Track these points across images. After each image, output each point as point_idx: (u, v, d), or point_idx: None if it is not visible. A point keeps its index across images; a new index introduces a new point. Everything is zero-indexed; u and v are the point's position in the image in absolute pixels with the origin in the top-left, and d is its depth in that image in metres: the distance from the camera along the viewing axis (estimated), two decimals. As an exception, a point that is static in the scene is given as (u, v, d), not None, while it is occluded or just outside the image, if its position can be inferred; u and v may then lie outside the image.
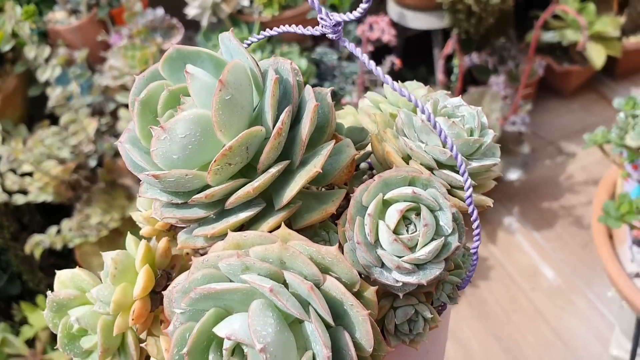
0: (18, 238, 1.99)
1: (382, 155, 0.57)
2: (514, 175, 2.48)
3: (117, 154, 2.08)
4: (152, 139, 0.46)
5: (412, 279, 0.47)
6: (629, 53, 2.73)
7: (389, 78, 0.47)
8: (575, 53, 2.66)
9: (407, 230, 0.48)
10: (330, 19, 0.48)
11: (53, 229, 1.87)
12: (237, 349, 0.43)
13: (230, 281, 0.45)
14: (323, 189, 0.56)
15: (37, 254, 1.81)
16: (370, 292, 0.46)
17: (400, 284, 0.47)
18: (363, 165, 0.64)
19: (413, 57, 2.67)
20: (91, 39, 2.33)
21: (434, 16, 2.41)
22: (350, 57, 2.34)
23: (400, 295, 0.49)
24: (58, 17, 2.36)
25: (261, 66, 0.50)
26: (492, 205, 0.56)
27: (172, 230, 0.59)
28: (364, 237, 0.47)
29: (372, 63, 0.47)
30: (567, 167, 2.63)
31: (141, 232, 0.60)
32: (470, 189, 0.48)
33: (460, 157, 0.48)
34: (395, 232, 0.47)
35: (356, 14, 0.46)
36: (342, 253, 0.48)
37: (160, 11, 2.30)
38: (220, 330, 0.42)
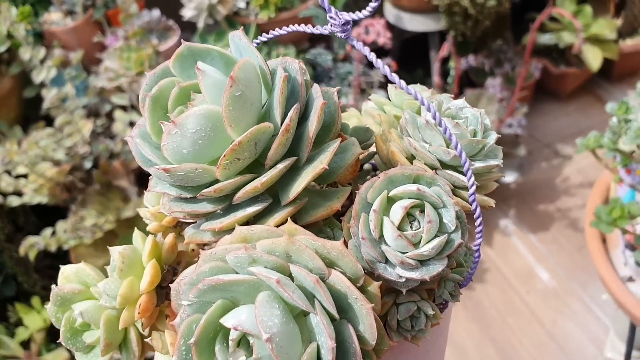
0: (13, 239, 1.99)
1: (387, 155, 0.58)
2: (510, 177, 2.49)
3: (112, 156, 2.08)
4: (163, 133, 0.48)
5: (415, 275, 0.48)
6: (626, 55, 2.74)
7: (396, 76, 0.48)
8: (571, 55, 2.67)
9: (411, 227, 0.49)
10: (340, 18, 0.49)
11: (48, 231, 1.87)
12: (243, 340, 0.44)
13: (237, 274, 0.46)
14: (328, 188, 0.57)
15: (31, 256, 1.81)
16: (374, 287, 0.47)
17: (404, 279, 0.48)
18: (367, 166, 0.65)
19: (410, 59, 2.68)
20: (87, 40, 2.33)
21: (431, 18, 2.42)
22: (346, 59, 2.34)
23: (403, 291, 0.50)
24: (54, 18, 2.37)
25: (269, 66, 0.52)
26: (493, 206, 0.57)
27: (178, 227, 0.60)
28: (368, 233, 0.48)
29: (380, 62, 0.49)
30: (563, 169, 2.64)
31: (148, 228, 0.60)
32: (474, 187, 0.49)
33: (464, 155, 0.49)
34: (400, 228, 0.49)
35: (365, 12, 0.47)
36: (347, 247, 0.49)
37: (156, 13, 2.30)
38: (227, 321, 0.43)
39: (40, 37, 2.34)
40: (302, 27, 0.54)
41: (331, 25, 0.50)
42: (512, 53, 2.58)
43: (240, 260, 0.45)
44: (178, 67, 0.52)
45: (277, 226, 0.48)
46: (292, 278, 0.45)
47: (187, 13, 2.29)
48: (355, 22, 2.21)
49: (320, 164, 0.49)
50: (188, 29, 2.46)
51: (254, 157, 0.49)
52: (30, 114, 2.29)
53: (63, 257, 2.08)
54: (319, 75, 2.36)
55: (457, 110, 0.58)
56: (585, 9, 2.62)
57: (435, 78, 2.39)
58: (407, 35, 2.59)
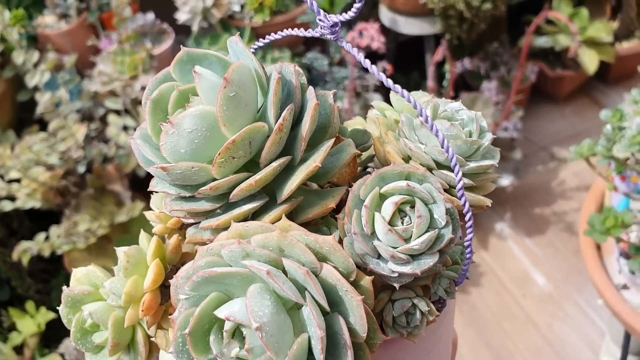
0: (7, 244, 1.99)
1: (384, 156, 0.60)
2: (505, 181, 2.49)
3: (106, 160, 2.08)
4: (162, 133, 0.50)
5: (406, 269, 0.49)
6: (622, 58, 2.75)
7: (386, 79, 0.50)
8: (568, 58, 2.68)
9: (402, 223, 0.50)
10: (328, 20, 0.51)
11: (41, 236, 1.87)
12: (237, 331, 0.46)
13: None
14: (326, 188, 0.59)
15: (24, 261, 1.81)
16: (367, 281, 0.48)
17: (396, 274, 0.49)
18: (370, 170, 0.66)
19: (405, 62, 2.68)
20: (81, 44, 2.33)
21: (426, 22, 2.41)
22: (342, 63, 2.34)
23: (397, 286, 0.51)
24: (48, 22, 2.36)
25: (267, 71, 0.54)
26: (490, 205, 0.58)
27: (183, 230, 0.62)
28: (360, 228, 0.50)
29: (368, 62, 0.51)
30: (559, 172, 2.64)
31: (154, 230, 0.62)
32: (461, 181, 0.50)
33: (451, 150, 0.49)
34: (391, 223, 0.50)
35: (351, 14, 0.49)
36: (342, 246, 0.50)
37: (150, 16, 2.30)
38: (221, 312, 0.44)
39: (34, 41, 2.33)
40: (295, 31, 0.55)
41: (321, 28, 0.52)
42: (508, 56, 2.58)
43: (234, 254, 0.46)
44: (178, 72, 0.54)
45: (273, 223, 0.50)
46: (285, 272, 0.47)
47: (181, 16, 2.29)
48: (349, 25, 2.21)
49: (313, 162, 0.51)
50: (182, 32, 2.46)
51: (249, 156, 0.51)
52: (25, 117, 2.28)
53: (57, 261, 2.09)
54: (314, 79, 2.36)
55: (453, 112, 0.60)
56: (582, 12, 2.63)
57: (430, 82, 2.39)
58: (403, 38, 2.59)
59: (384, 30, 2.46)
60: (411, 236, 0.49)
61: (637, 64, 2.73)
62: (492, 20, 2.40)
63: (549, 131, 2.83)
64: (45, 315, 1.90)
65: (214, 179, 0.50)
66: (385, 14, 2.52)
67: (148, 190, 0.56)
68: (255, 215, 0.52)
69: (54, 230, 1.91)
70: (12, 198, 1.93)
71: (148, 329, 0.58)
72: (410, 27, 2.46)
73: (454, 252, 0.57)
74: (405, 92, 0.50)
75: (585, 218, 1.69)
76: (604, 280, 1.57)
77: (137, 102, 2.10)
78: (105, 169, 2.06)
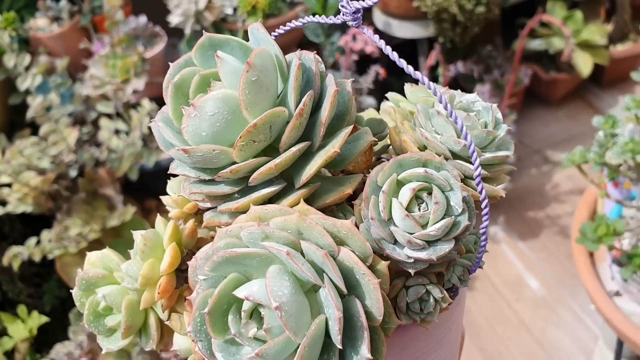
0: (-2, 248, 1.98)
1: (400, 146, 0.61)
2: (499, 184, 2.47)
3: (98, 164, 2.06)
4: (184, 116, 0.51)
5: (422, 255, 0.50)
6: (616, 61, 2.76)
7: (403, 62, 0.53)
8: (562, 61, 2.66)
9: (419, 209, 0.51)
10: (351, 7, 0.53)
11: (32, 240, 1.86)
12: (255, 312, 0.47)
13: None
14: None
15: (15, 266, 1.80)
16: (383, 265, 0.49)
17: (412, 260, 0.51)
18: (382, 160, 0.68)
19: (401, 65, 2.66)
20: (73, 47, 2.32)
21: (419, 25, 2.41)
22: (335, 66, 2.32)
23: (412, 272, 0.52)
24: (40, 24, 2.35)
25: (287, 58, 0.55)
26: (504, 196, 0.60)
27: (199, 215, 0.64)
28: (377, 214, 0.51)
29: (390, 49, 0.54)
30: (552, 176, 2.64)
31: (170, 215, 0.64)
32: (479, 169, 0.51)
33: (469, 137, 0.52)
34: (408, 209, 0.51)
35: None
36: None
37: (143, 19, 2.29)
38: (240, 292, 0.46)
39: (25, 44, 2.33)
40: (316, 18, 0.57)
41: (343, 15, 0.54)
42: (501, 59, 2.58)
43: (254, 236, 0.48)
44: (199, 57, 0.55)
45: (291, 207, 0.51)
46: (303, 255, 0.48)
47: (174, 19, 2.27)
48: (342, 29, 2.19)
49: (332, 147, 0.52)
50: (175, 35, 2.45)
51: (269, 140, 0.52)
52: (17, 120, 2.27)
53: (49, 265, 2.08)
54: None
55: (469, 103, 0.61)
56: (576, 15, 2.63)
57: (423, 86, 2.37)
58: (397, 41, 2.58)
59: (378, 33, 2.44)
60: (428, 222, 0.50)
61: (631, 66, 2.74)
62: (486, 23, 2.40)
63: (542, 134, 2.83)
64: (36, 320, 1.89)
65: (234, 163, 0.52)
66: (379, 18, 2.51)
67: (168, 172, 0.57)
68: (272, 200, 0.54)
69: (45, 234, 1.90)
70: (3, 202, 1.92)
71: (163, 312, 0.59)
72: (404, 30, 2.46)
73: (468, 241, 0.59)
74: (427, 80, 0.52)
75: (578, 224, 1.69)
76: (597, 287, 1.57)
77: (128, 105, 2.09)
78: (97, 173, 2.05)
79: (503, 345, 2.12)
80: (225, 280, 0.47)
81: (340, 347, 0.45)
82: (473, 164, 0.52)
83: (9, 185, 1.93)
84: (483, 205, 0.52)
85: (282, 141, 0.51)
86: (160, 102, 1.22)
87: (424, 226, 0.50)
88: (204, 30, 0.58)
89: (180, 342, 0.59)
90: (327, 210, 0.56)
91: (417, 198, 0.52)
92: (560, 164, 2.58)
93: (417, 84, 0.63)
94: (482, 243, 0.55)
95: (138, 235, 0.59)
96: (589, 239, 1.36)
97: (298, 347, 0.44)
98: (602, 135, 1.40)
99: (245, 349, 0.47)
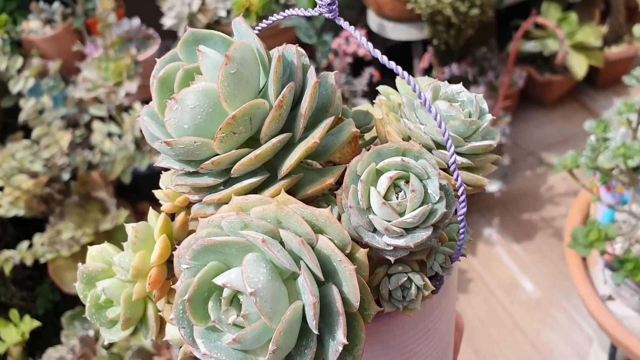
0: (-10, 251, 1.98)
1: (384, 137, 0.62)
2: (493, 186, 2.50)
3: (91, 167, 2.07)
4: (166, 109, 0.52)
5: (400, 242, 0.51)
6: (611, 63, 2.78)
7: (378, 52, 0.53)
8: (556, 63, 2.67)
9: (397, 197, 0.52)
10: None
11: (24, 244, 1.86)
12: (234, 299, 0.48)
13: None
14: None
15: (7, 270, 1.81)
16: (362, 253, 0.50)
17: (391, 247, 0.51)
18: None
19: (394, 67, 2.67)
20: (66, 49, 2.33)
21: (414, 27, 2.42)
22: (329, 68, 2.34)
23: (392, 260, 0.52)
24: (32, 27, 2.36)
25: (271, 53, 0.56)
26: (488, 184, 0.60)
27: (190, 208, 0.64)
28: (356, 202, 0.52)
29: (367, 43, 0.54)
30: (547, 178, 2.65)
31: (162, 209, 0.65)
32: (454, 156, 0.52)
33: (443, 125, 0.52)
34: (385, 197, 0.52)
35: None
36: (340, 222, 0.52)
37: (136, 21, 2.31)
38: (219, 279, 0.47)
39: (18, 46, 2.33)
40: (295, 11, 0.58)
41: (319, 7, 0.54)
42: (496, 61, 2.59)
43: (233, 225, 0.48)
44: (184, 52, 0.57)
45: (272, 197, 0.52)
46: (283, 244, 0.49)
47: (167, 22, 2.29)
48: (335, 32, 2.21)
49: (312, 138, 0.53)
50: (169, 37, 2.46)
51: (249, 132, 0.53)
52: (9, 122, 2.28)
53: (43, 267, 2.09)
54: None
55: (454, 94, 0.62)
56: (571, 17, 2.64)
57: (418, 87, 2.39)
58: (391, 43, 2.60)
59: (372, 35, 2.47)
60: (405, 210, 0.51)
61: (626, 68, 2.76)
62: (481, 25, 2.42)
63: (537, 136, 2.84)
64: (29, 324, 1.89)
65: (216, 154, 0.52)
66: (373, 20, 2.53)
67: (154, 165, 0.59)
68: (256, 190, 0.54)
69: (38, 238, 1.91)
70: (-6, 206, 1.92)
71: (155, 303, 0.61)
72: (398, 32, 2.47)
73: (450, 230, 0.60)
74: (405, 73, 0.52)
75: (570, 228, 1.70)
76: (589, 291, 1.58)
77: (121, 108, 2.10)
78: (90, 176, 2.06)
79: (497, 348, 2.13)
80: (205, 268, 0.48)
81: (316, 332, 0.46)
82: (460, 155, 0.54)
83: (0, 188, 1.94)
84: (459, 193, 0.52)
85: (263, 132, 0.52)
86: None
87: (401, 214, 0.51)
88: (187, 26, 0.59)
89: (172, 332, 0.61)
90: (312, 201, 0.57)
91: (395, 187, 0.53)
92: (556, 160, 2.60)
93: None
94: (462, 231, 0.56)
95: (129, 227, 0.60)
96: (580, 244, 1.37)
97: (275, 332, 0.46)
98: (594, 140, 1.41)
99: (225, 336, 0.48)
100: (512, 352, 2.11)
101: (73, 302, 1.94)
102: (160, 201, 0.66)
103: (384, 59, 0.53)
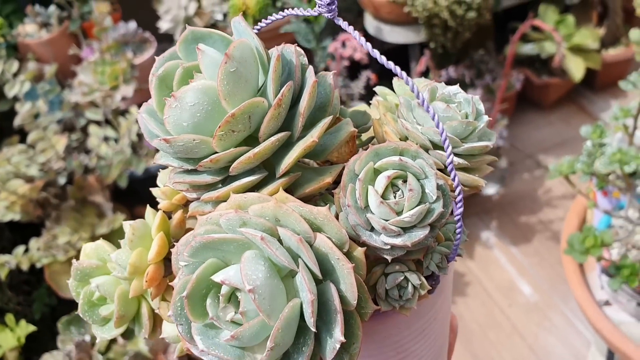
0: (-14, 256, 1.98)
1: (382, 137, 0.63)
2: (491, 189, 2.50)
3: (87, 171, 2.08)
4: (165, 107, 0.52)
5: (398, 241, 0.51)
6: (608, 65, 2.79)
7: (377, 52, 0.54)
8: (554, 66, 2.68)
9: (395, 196, 0.53)
10: None
11: (20, 249, 1.87)
12: (232, 296, 0.49)
13: None
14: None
15: (2, 275, 1.81)
16: (359, 252, 0.51)
17: (388, 246, 0.52)
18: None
19: (390, 71, 2.67)
20: (62, 53, 2.33)
21: (411, 30, 2.42)
22: (326, 71, 2.34)
23: (389, 259, 0.53)
24: (28, 30, 2.37)
25: (270, 53, 0.57)
26: (484, 185, 0.61)
27: (188, 206, 0.64)
28: (354, 201, 0.52)
29: (366, 43, 0.55)
30: (545, 180, 2.66)
31: (159, 206, 0.65)
32: (451, 156, 0.52)
33: (441, 125, 0.52)
34: (383, 197, 0.52)
35: None
36: (338, 221, 0.52)
37: (132, 25, 2.31)
38: (217, 277, 0.47)
39: (14, 50, 2.33)
40: (294, 11, 0.58)
41: (318, 7, 0.55)
42: (493, 63, 2.60)
43: (232, 223, 0.49)
44: (183, 50, 0.57)
45: (271, 196, 0.52)
46: (281, 241, 0.49)
47: (163, 25, 2.30)
48: (332, 35, 2.21)
49: (311, 137, 0.53)
50: (165, 40, 2.47)
51: (248, 130, 0.53)
52: (5, 126, 2.28)
53: (39, 272, 2.09)
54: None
55: (451, 95, 0.62)
56: (568, 19, 2.65)
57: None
58: (388, 46, 2.60)
59: (369, 38, 2.47)
60: (403, 209, 0.52)
61: (623, 70, 2.76)
62: (478, 28, 2.42)
63: (535, 139, 2.85)
64: (25, 329, 1.89)
65: (215, 152, 0.53)
66: (370, 23, 2.53)
67: (152, 162, 0.59)
68: (254, 189, 0.55)
69: (34, 243, 1.91)
70: (-10, 211, 1.92)
71: (152, 301, 0.61)
72: (395, 35, 2.48)
73: (447, 230, 0.60)
74: (404, 73, 0.53)
75: (567, 233, 1.70)
76: (586, 296, 1.59)
77: (118, 112, 2.11)
78: (86, 181, 2.06)
79: (495, 351, 2.13)
80: (204, 265, 0.48)
81: (314, 330, 0.46)
82: (457, 156, 0.54)
83: (-4, 193, 1.94)
84: (456, 193, 0.53)
85: (261, 131, 0.52)
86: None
87: (398, 213, 0.51)
88: (187, 25, 0.60)
89: (169, 329, 0.62)
90: (310, 201, 0.57)
91: (393, 186, 0.53)
92: (551, 165, 2.61)
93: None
94: (458, 231, 0.56)
95: (127, 225, 0.61)
96: (576, 251, 1.37)
97: (273, 329, 0.46)
98: (590, 145, 1.42)
99: (223, 333, 0.49)
100: (510, 356, 2.11)
101: (69, 306, 1.95)
102: (157, 199, 0.66)
103: (382, 59, 0.53)
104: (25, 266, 1.84)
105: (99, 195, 2.08)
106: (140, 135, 2.15)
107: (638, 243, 1.53)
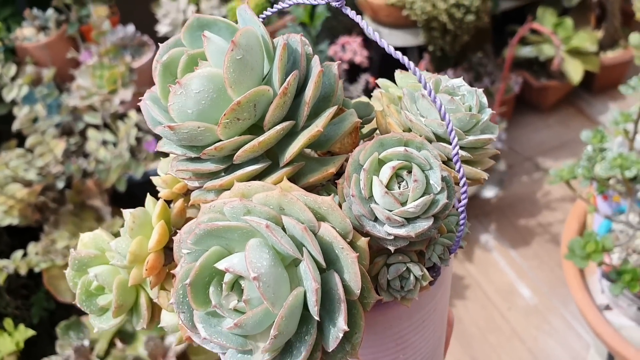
0: (-16, 260, 1.98)
1: (385, 128, 0.63)
2: (490, 192, 2.50)
3: (86, 175, 2.08)
4: (170, 94, 0.52)
5: (401, 232, 0.51)
6: (607, 68, 2.79)
7: (384, 42, 0.53)
8: (552, 69, 2.69)
9: (399, 187, 0.53)
10: None
11: (18, 253, 1.86)
12: (235, 285, 0.48)
13: None
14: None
15: (1, 279, 1.80)
16: (363, 242, 0.51)
17: (392, 237, 0.52)
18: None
19: (390, 73, 2.68)
20: (60, 56, 2.34)
21: (410, 33, 2.43)
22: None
23: (392, 249, 0.53)
24: (26, 34, 2.37)
25: (275, 41, 0.56)
26: (486, 178, 0.61)
27: (188, 195, 0.65)
28: (358, 191, 0.52)
29: (372, 30, 0.54)
30: (544, 183, 2.66)
31: (160, 195, 0.65)
32: (457, 147, 0.52)
33: (447, 117, 0.53)
34: (388, 187, 0.52)
35: None
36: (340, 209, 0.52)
37: (130, 28, 2.31)
38: (221, 264, 0.47)
39: (12, 53, 2.34)
40: (300, 0, 0.59)
41: None
42: (492, 66, 2.60)
43: (236, 211, 0.49)
44: (188, 38, 0.57)
45: (274, 185, 0.52)
46: (285, 230, 0.49)
47: (162, 29, 2.30)
48: (332, 39, 2.22)
49: (315, 127, 0.53)
50: (163, 44, 2.46)
51: (253, 119, 0.53)
52: (3, 129, 2.28)
53: (38, 276, 2.08)
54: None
55: (455, 87, 0.62)
56: (566, 22, 2.66)
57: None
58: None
59: (368, 42, 2.48)
60: (407, 200, 0.52)
61: (621, 73, 2.77)
62: (476, 31, 2.43)
63: (533, 141, 2.85)
64: (24, 333, 1.89)
65: (219, 140, 0.53)
66: (369, 26, 2.53)
67: (155, 150, 0.59)
68: (258, 178, 0.55)
69: (32, 247, 1.91)
70: (-12, 215, 1.92)
71: (151, 289, 0.61)
72: (394, 38, 2.48)
73: (449, 222, 0.60)
74: (411, 63, 0.53)
75: (567, 237, 1.71)
76: (587, 301, 1.59)
77: (116, 116, 2.11)
78: (85, 185, 2.06)
79: (495, 355, 2.13)
80: (207, 253, 0.48)
81: (317, 318, 0.46)
82: (449, 134, 0.53)
83: (-6, 197, 1.94)
84: (461, 184, 0.53)
85: (266, 120, 0.52)
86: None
87: (403, 203, 0.51)
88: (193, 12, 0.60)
89: (167, 319, 0.61)
90: (313, 190, 0.57)
91: (397, 176, 0.53)
92: (552, 171, 2.61)
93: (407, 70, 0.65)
94: (462, 222, 0.56)
95: (127, 213, 0.61)
96: (577, 256, 1.37)
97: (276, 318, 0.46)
98: (590, 150, 1.42)
99: (226, 321, 0.49)
100: (510, 359, 2.11)
101: (68, 311, 1.94)
102: (157, 187, 0.66)
103: (390, 48, 0.53)
104: (23, 271, 1.84)
105: (97, 200, 2.08)
106: (138, 139, 2.15)
107: (638, 247, 1.53)
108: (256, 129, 0.54)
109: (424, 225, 0.51)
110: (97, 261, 0.63)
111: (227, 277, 0.48)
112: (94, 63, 2.11)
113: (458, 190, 0.54)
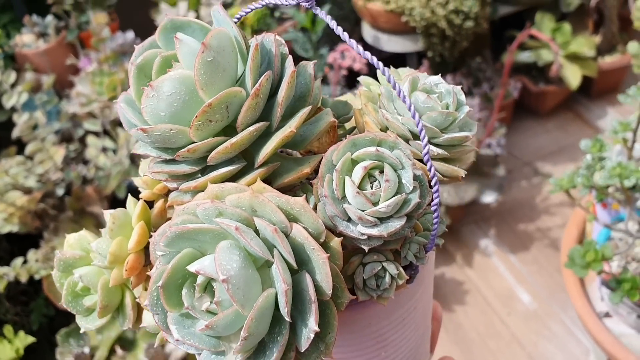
0: (-16, 267, 1.98)
1: (363, 127, 0.63)
2: (489, 197, 2.50)
3: (85, 181, 2.08)
4: (142, 96, 0.52)
5: (374, 232, 0.51)
6: (605, 73, 2.79)
7: (353, 42, 0.54)
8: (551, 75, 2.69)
9: (372, 187, 0.53)
10: None
11: (18, 261, 1.87)
12: (208, 286, 0.49)
13: None
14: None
15: (1, 287, 1.81)
16: (336, 242, 0.51)
17: (365, 236, 0.52)
18: None
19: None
20: (60, 63, 2.34)
21: (408, 39, 2.44)
22: (324, 81, 2.35)
23: (366, 249, 0.53)
24: (25, 40, 2.38)
25: (249, 42, 0.56)
26: (463, 175, 0.61)
27: (169, 196, 0.65)
28: (331, 191, 0.52)
29: (343, 33, 0.54)
30: (543, 188, 2.66)
31: (141, 196, 0.65)
32: (427, 147, 0.53)
33: (417, 116, 0.53)
34: (360, 187, 0.52)
35: None
36: (316, 211, 0.53)
37: (130, 35, 2.32)
38: (192, 266, 0.47)
39: (11, 60, 2.34)
40: (274, 0, 0.58)
41: None
42: (491, 72, 2.60)
43: (208, 213, 0.49)
44: (163, 39, 0.57)
45: (249, 186, 0.52)
46: (257, 232, 0.49)
47: (161, 36, 2.29)
48: (331, 46, 2.22)
49: (289, 127, 0.53)
50: (163, 51, 2.46)
51: (226, 120, 0.53)
52: (3, 136, 2.29)
53: (37, 282, 2.09)
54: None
55: (433, 85, 0.62)
56: (564, 27, 2.66)
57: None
58: (386, 55, 2.61)
59: (367, 47, 2.48)
60: (379, 200, 0.52)
61: (619, 78, 2.77)
62: (475, 36, 2.43)
63: (532, 146, 2.85)
64: (24, 340, 1.89)
65: (192, 142, 0.53)
66: (368, 32, 2.55)
67: (131, 152, 0.59)
68: (233, 179, 0.55)
69: (32, 254, 1.91)
70: (-12, 223, 1.93)
71: (133, 289, 0.62)
72: (393, 44, 2.49)
73: (426, 220, 0.60)
74: (380, 63, 0.54)
75: (567, 244, 1.71)
76: (587, 308, 1.59)
77: (116, 123, 2.11)
78: (85, 191, 2.07)
79: None
80: (179, 255, 0.48)
81: (288, 319, 0.46)
82: (420, 133, 0.53)
83: (-6, 205, 1.95)
84: (432, 183, 0.53)
85: (239, 121, 0.52)
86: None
87: (375, 203, 0.51)
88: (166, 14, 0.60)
89: (149, 319, 0.61)
90: (289, 191, 0.58)
91: (370, 176, 0.53)
92: (551, 175, 2.61)
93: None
94: (435, 221, 0.56)
95: (107, 214, 0.61)
96: (577, 265, 1.37)
97: (247, 319, 0.47)
98: (589, 159, 1.42)
99: (199, 322, 0.49)
100: (510, 364, 2.11)
101: (67, 318, 1.95)
102: (139, 188, 0.66)
103: (352, 42, 0.54)
104: (24, 278, 1.84)
105: (97, 206, 2.08)
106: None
107: (638, 255, 1.53)
108: (230, 130, 0.54)
109: (396, 224, 0.51)
110: (82, 262, 0.63)
111: (200, 279, 0.48)
112: (94, 70, 2.12)
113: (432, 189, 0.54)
